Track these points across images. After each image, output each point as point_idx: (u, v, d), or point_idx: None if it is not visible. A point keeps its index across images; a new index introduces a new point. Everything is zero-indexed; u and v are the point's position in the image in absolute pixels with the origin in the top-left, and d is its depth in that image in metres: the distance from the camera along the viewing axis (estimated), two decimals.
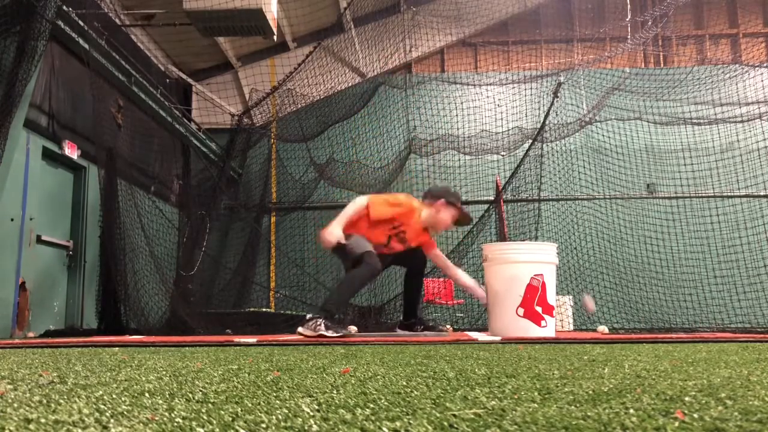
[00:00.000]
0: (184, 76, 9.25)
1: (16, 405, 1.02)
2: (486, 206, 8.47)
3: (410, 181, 9.36)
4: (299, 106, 9.08)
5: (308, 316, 3.97)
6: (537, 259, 4.22)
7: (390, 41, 9.73)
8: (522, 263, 4.19)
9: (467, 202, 9.00)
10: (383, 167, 9.36)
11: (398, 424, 0.80)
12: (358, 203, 4.12)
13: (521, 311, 4.10)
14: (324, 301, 4.10)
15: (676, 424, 0.79)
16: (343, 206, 4.27)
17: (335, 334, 3.74)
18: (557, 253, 4.45)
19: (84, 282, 6.22)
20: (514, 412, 0.89)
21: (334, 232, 3.98)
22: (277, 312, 8.24)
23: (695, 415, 0.85)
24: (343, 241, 3.99)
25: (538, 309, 4.09)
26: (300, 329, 3.85)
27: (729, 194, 8.99)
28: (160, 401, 1.05)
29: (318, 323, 3.80)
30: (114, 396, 1.13)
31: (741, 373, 1.49)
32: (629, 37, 9.52)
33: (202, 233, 8.04)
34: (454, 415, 0.87)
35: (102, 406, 0.99)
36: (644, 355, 2.21)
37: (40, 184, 5.61)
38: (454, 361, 1.94)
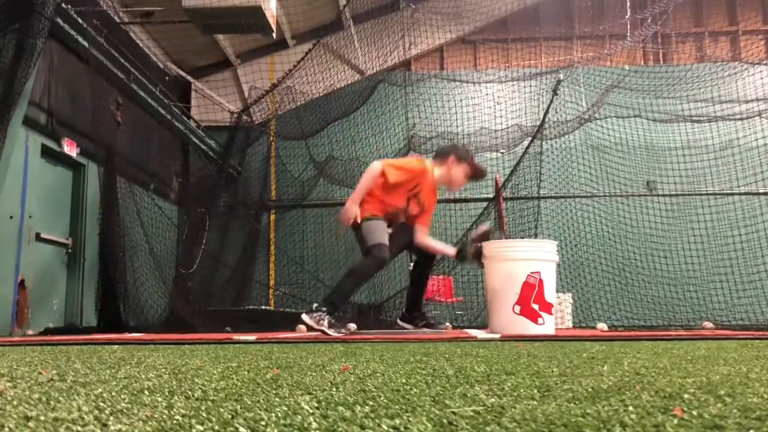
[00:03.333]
0: (183, 74, 9.23)
1: (15, 402, 1.02)
2: (485, 204, 8.46)
3: None
4: (298, 103, 9.07)
5: (315, 305, 3.97)
6: (534, 257, 4.21)
7: (389, 39, 9.71)
8: (519, 261, 4.18)
9: (466, 200, 9.00)
10: None
11: (397, 421, 0.80)
12: (373, 169, 4.06)
13: (518, 309, 4.10)
14: (330, 291, 4.09)
15: (675, 421, 0.79)
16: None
17: (336, 334, 3.75)
18: (557, 251, 4.44)
19: (83, 280, 6.21)
20: (513, 409, 0.89)
21: (350, 210, 4.00)
22: (277, 309, 8.25)
23: (694, 413, 0.85)
24: (359, 220, 4.00)
25: (535, 306, 4.09)
26: (304, 316, 3.85)
27: (728, 192, 8.99)
28: (160, 399, 1.05)
29: (322, 318, 3.80)
30: (113, 394, 1.13)
31: (740, 371, 1.49)
32: (629, 34, 9.51)
33: (201, 231, 8.04)
34: (454, 413, 0.87)
35: (101, 404, 0.99)
36: (643, 352, 2.21)
37: (39, 182, 5.61)
38: (454, 358, 1.94)
